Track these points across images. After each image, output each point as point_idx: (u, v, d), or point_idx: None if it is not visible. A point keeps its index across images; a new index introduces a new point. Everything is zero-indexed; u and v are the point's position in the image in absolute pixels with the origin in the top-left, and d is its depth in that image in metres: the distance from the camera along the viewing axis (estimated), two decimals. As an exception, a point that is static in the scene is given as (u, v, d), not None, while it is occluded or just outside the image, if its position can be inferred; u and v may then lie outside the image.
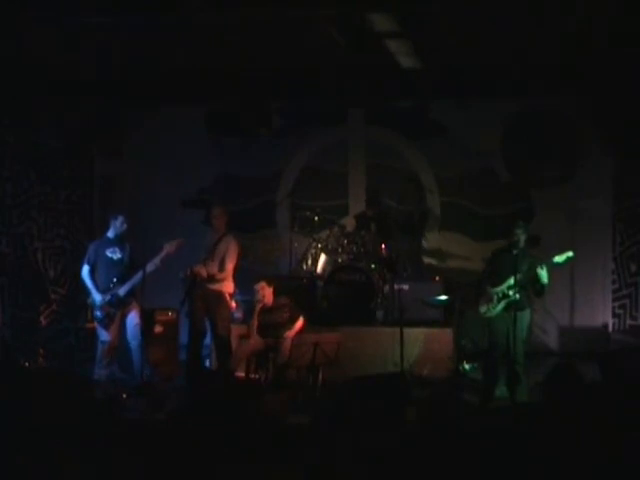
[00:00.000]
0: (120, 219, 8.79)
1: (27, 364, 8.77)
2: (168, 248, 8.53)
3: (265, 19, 8.16)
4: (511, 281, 7.98)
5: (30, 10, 7.53)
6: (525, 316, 8.24)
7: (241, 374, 8.52)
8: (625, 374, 5.93)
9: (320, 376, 8.22)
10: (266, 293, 8.72)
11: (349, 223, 10.76)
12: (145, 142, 11.36)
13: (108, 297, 8.70)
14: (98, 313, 8.77)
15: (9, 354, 9.03)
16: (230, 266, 8.82)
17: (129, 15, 7.74)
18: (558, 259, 8.05)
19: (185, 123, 11.30)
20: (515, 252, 8.11)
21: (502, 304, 8.14)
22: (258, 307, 8.71)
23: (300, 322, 8.71)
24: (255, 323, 8.69)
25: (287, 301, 8.84)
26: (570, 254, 8.03)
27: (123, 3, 7.55)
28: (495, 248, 8.62)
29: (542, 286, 8.11)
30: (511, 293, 8.01)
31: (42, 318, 10.07)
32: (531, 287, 8.18)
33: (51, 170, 10.32)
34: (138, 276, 8.44)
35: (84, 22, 7.88)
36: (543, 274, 8.01)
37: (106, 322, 8.74)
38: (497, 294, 8.15)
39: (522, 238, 8.18)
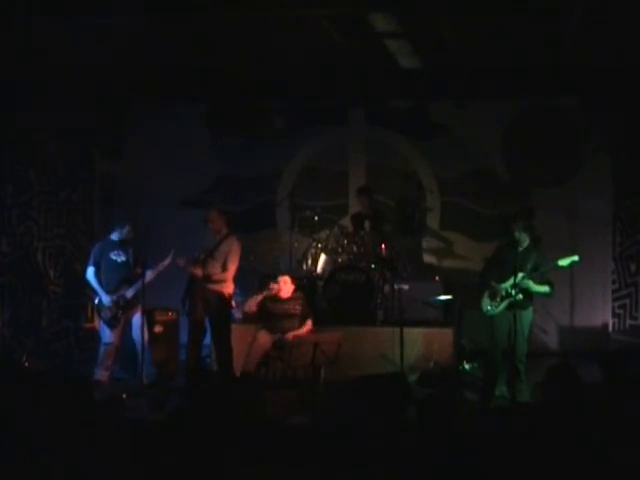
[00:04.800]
0: (127, 228, 8.89)
1: (27, 364, 8.77)
2: (172, 255, 8.62)
3: (265, 19, 8.17)
4: (516, 279, 7.98)
5: (30, 10, 7.54)
6: (528, 314, 8.26)
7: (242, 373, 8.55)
8: (625, 374, 5.92)
9: (320, 376, 8.22)
10: (284, 288, 8.72)
11: (349, 223, 10.76)
12: (145, 142, 11.35)
13: (115, 298, 8.76)
14: (106, 314, 8.80)
15: (9, 354, 9.04)
16: (233, 267, 8.81)
17: (129, 15, 7.75)
18: (562, 263, 8.05)
19: (185, 123, 11.29)
20: (520, 249, 8.13)
21: (505, 303, 8.16)
22: (265, 292, 8.71)
23: (309, 326, 8.73)
24: (252, 305, 8.69)
25: (302, 297, 8.88)
26: (575, 258, 8.04)
27: (123, 3, 7.56)
28: (501, 243, 8.64)
29: (540, 293, 8.13)
30: (513, 292, 8.02)
31: (42, 318, 10.07)
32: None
33: (51, 170, 10.32)
34: (144, 279, 8.49)
35: (84, 22, 7.89)
36: (531, 286, 8.02)
37: (113, 323, 8.79)
38: (501, 291, 8.15)
39: (522, 237, 8.19)
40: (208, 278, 8.74)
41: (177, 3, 7.60)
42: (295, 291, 8.85)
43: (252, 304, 8.73)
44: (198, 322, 8.91)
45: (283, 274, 8.95)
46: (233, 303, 9.13)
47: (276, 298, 8.74)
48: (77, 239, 10.62)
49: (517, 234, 8.15)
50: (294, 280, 8.93)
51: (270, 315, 8.69)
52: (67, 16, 7.69)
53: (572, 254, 8.20)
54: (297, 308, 8.76)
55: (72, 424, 4.56)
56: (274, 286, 8.74)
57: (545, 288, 8.13)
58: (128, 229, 8.88)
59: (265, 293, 8.75)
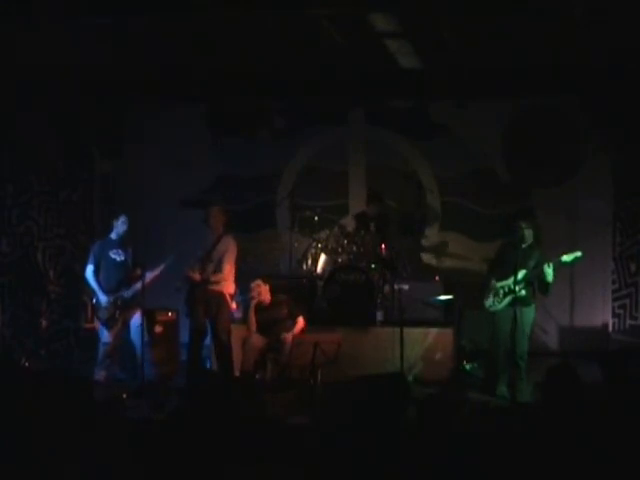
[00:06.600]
0: (121, 219, 8.88)
1: (27, 364, 8.78)
2: (163, 267, 8.65)
3: (265, 19, 8.16)
4: (517, 276, 8.00)
5: (30, 10, 7.54)
6: (530, 312, 8.30)
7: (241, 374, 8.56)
8: (625, 374, 5.93)
9: (320, 376, 8.22)
10: (261, 291, 8.80)
11: (349, 223, 10.77)
12: (145, 142, 11.36)
13: (113, 299, 8.76)
14: (103, 314, 8.81)
15: (9, 354, 9.04)
16: (228, 267, 8.81)
17: (129, 15, 7.75)
18: (566, 258, 8.10)
19: (185, 123, 11.29)
20: (523, 246, 8.16)
21: (507, 299, 8.19)
22: (253, 303, 8.80)
23: (301, 323, 8.77)
24: (252, 320, 8.77)
25: (285, 298, 8.91)
26: (578, 254, 8.08)
27: (123, 3, 7.56)
28: (504, 241, 8.66)
29: (547, 284, 8.15)
30: (517, 289, 8.04)
31: (42, 318, 10.07)
32: (537, 284, 8.22)
33: (51, 170, 10.32)
34: (143, 280, 8.49)
35: (84, 22, 7.89)
36: (549, 272, 8.05)
37: (110, 323, 8.80)
38: (502, 288, 8.18)
39: (528, 233, 8.24)
40: (207, 280, 8.76)
41: (177, 3, 7.60)
42: (273, 292, 8.88)
43: (252, 324, 8.78)
44: (199, 324, 8.91)
45: (254, 279, 8.95)
46: (234, 304, 9.14)
47: (261, 306, 8.79)
48: (77, 239, 10.62)
49: (525, 232, 8.19)
50: (266, 279, 8.94)
51: (260, 323, 8.75)
52: (67, 16, 7.68)
53: (575, 250, 8.23)
54: (283, 312, 8.80)
55: (72, 424, 4.56)
56: (253, 294, 8.79)
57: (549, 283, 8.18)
58: (122, 220, 8.87)
59: (253, 306, 8.79)
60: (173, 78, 10.45)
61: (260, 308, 8.81)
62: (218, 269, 8.77)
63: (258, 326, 8.78)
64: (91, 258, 8.94)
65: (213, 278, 8.75)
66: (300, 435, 4.98)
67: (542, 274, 8.07)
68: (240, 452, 4.37)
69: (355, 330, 9.28)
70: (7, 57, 8.73)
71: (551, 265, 8.05)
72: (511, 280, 8.09)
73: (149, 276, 8.54)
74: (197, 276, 8.72)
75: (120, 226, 8.88)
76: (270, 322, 8.76)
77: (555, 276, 8.15)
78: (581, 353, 9.51)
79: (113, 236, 8.94)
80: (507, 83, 10.27)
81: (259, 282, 8.85)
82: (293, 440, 4.71)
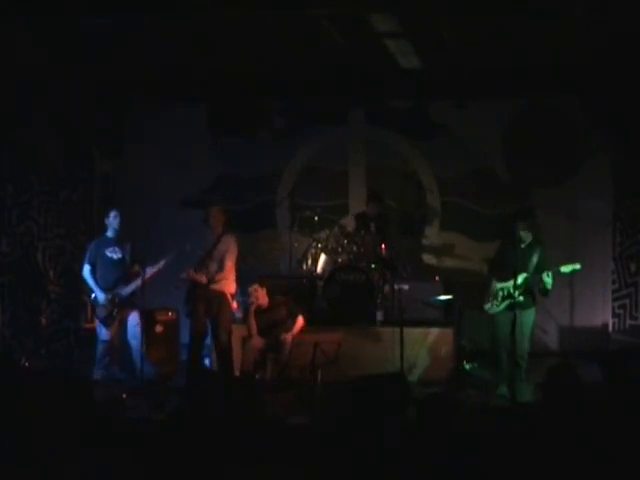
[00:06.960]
0: (112, 214, 8.90)
1: (27, 364, 8.78)
2: (163, 264, 8.63)
3: (265, 19, 8.17)
4: (517, 280, 8.00)
5: (30, 10, 7.55)
6: (530, 314, 8.30)
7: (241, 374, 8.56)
8: (625, 374, 5.93)
9: (320, 376, 8.22)
10: (259, 295, 8.76)
11: (349, 223, 10.76)
12: (145, 142, 11.35)
13: (111, 296, 8.77)
14: (101, 312, 8.82)
15: (9, 354, 9.04)
16: (229, 264, 8.83)
17: (129, 15, 7.76)
18: (564, 269, 8.12)
19: (185, 123, 11.29)
20: (522, 247, 8.17)
21: (505, 303, 8.19)
22: (252, 308, 8.77)
23: (300, 322, 8.76)
24: (253, 324, 8.75)
25: (283, 299, 8.89)
26: (577, 266, 8.11)
27: (123, 3, 7.57)
28: (505, 241, 8.67)
29: (547, 290, 8.16)
30: (516, 294, 8.04)
31: (42, 318, 10.07)
32: (536, 289, 8.23)
33: (51, 170, 10.32)
34: (140, 278, 8.49)
35: (84, 22, 7.90)
36: (548, 281, 8.06)
37: (108, 321, 8.81)
38: (502, 291, 8.18)
39: (524, 234, 8.24)
40: (211, 280, 8.77)
41: (177, 3, 7.60)
42: (272, 293, 8.86)
43: (252, 328, 8.77)
44: (200, 323, 8.92)
45: (251, 284, 8.90)
46: (234, 304, 9.14)
47: (260, 309, 8.78)
48: (77, 239, 10.62)
49: (522, 233, 8.20)
50: (263, 282, 8.89)
51: (260, 326, 8.75)
52: (67, 16, 7.69)
53: (574, 260, 8.30)
54: (282, 313, 8.78)
55: (72, 424, 4.56)
56: (252, 299, 8.77)
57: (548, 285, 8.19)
58: (114, 215, 8.89)
59: (252, 310, 8.77)
60: (173, 78, 10.45)
61: (259, 311, 8.79)
62: (220, 267, 8.78)
63: (258, 329, 8.77)
64: (87, 257, 8.98)
65: (217, 276, 8.77)
66: (300, 435, 4.97)
67: (541, 282, 8.08)
68: (240, 452, 4.36)
69: (355, 330, 9.28)
70: (7, 57, 8.73)
71: (550, 274, 8.05)
72: (511, 283, 8.09)
73: (149, 272, 8.54)
74: (204, 278, 8.73)
75: (113, 222, 8.89)
76: (270, 324, 8.75)
77: (554, 284, 8.16)
78: (581, 353, 9.52)
79: (109, 234, 8.96)
80: (507, 83, 10.28)
81: (256, 286, 8.80)
82: (293, 440, 4.70)
